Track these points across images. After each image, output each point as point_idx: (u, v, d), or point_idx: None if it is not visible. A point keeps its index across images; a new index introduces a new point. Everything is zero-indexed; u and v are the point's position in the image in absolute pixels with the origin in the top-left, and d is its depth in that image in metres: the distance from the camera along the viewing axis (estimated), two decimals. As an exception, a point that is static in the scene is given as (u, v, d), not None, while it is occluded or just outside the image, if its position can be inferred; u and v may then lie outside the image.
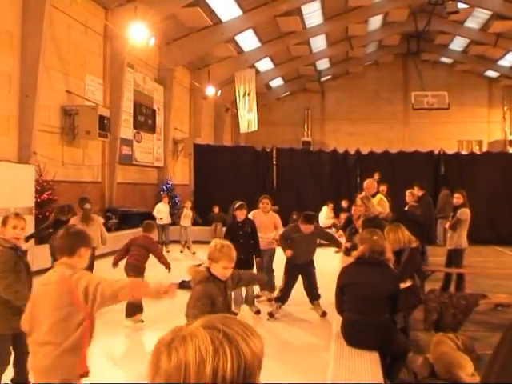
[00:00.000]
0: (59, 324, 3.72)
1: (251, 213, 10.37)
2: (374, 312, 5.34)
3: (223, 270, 4.55)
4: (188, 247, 16.89)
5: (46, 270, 4.10)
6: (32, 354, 3.91)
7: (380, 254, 5.57)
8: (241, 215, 9.35)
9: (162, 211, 17.06)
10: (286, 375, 6.03)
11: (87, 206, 10.41)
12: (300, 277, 9.23)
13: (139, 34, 17.94)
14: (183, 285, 11.30)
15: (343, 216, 16.69)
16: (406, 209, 11.77)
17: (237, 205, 9.53)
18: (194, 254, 16.35)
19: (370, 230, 6.04)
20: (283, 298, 9.28)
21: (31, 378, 4.41)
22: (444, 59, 35.11)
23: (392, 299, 5.42)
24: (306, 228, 8.91)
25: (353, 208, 10.64)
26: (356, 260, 5.73)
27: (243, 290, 9.21)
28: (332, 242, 9.94)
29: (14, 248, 5.23)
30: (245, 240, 9.17)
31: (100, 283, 3.65)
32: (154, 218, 16.25)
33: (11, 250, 5.19)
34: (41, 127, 15.03)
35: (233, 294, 9.35)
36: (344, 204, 18.93)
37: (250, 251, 9.15)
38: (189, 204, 17.76)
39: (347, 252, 9.45)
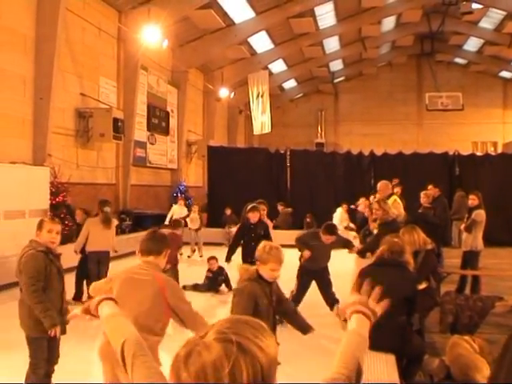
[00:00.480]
0: (149, 320, 3.94)
1: None
2: (390, 313, 5.30)
3: (271, 271, 4.55)
4: (198, 249, 16.70)
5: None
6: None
7: (399, 255, 5.55)
8: (254, 217, 9.23)
9: (178, 213, 17.01)
10: (300, 378, 6.01)
11: (107, 208, 10.53)
12: (314, 282, 9.13)
13: (152, 36, 18.01)
14: (196, 287, 11.38)
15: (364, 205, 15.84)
16: (420, 211, 11.71)
17: (249, 207, 9.41)
18: (201, 257, 16.04)
19: (394, 235, 6.04)
20: (294, 303, 9.17)
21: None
22: (458, 60, 34.93)
23: (409, 301, 5.39)
24: (328, 239, 8.68)
25: (366, 210, 10.58)
26: (375, 261, 5.72)
27: None
28: (347, 246, 9.80)
29: (45, 251, 5.15)
30: (257, 243, 9.06)
31: (192, 315, 4.13)
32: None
33: (42, 254, 5.11)
34: (55, 130, 15.12)
35: None
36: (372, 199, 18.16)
37: None
38: (196, 208, 17.65)
39: (361, 254, 9.38)
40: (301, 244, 8.97)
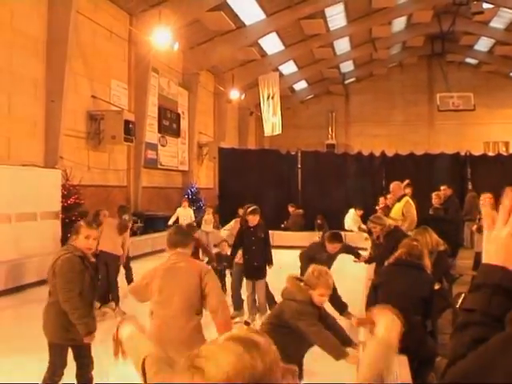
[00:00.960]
0: (194, 302, 4.43)
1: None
2: (405, 311, 5.28)
3: (320, 297, 4.49)
4: None
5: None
6: (166, 327, 4.34)
7: (418, 258, 5.56)
8: (253, 220, 8.95)
9: (182, 216, 16.97)
10: (313, 380, 6.00)
11: (126, 216, 10.75)
12: None
13: (163, 38, 18.03)
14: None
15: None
16: (431, 212, 11.65)
17: (250, 209, 9.07)
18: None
19: (412, 238, 6.03)
20: None
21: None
22: (469, 60, 34.75)
23: (425, 302, 5.39)
24: (335, 247, 8.29)
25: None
26: (394, 261, 5.72)
27: (256, 297, 9.13)
28: (351, 253, 9.60)
29: (82, 257, 5.08)
30: (257, 246, 8.89)
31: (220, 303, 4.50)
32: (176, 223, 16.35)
33: (79, 259, 5.04)
34: (67, 132, 15.17)
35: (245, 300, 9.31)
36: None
37: (264, 258, 8.98)
38: (210, 210, 17.60)
39: (369, 263, 9.28)
40: (308, 261, 8.70)
